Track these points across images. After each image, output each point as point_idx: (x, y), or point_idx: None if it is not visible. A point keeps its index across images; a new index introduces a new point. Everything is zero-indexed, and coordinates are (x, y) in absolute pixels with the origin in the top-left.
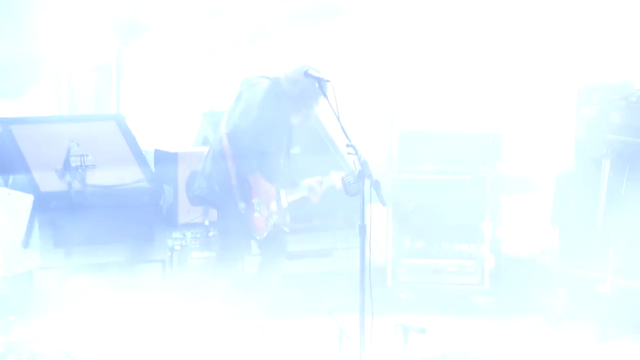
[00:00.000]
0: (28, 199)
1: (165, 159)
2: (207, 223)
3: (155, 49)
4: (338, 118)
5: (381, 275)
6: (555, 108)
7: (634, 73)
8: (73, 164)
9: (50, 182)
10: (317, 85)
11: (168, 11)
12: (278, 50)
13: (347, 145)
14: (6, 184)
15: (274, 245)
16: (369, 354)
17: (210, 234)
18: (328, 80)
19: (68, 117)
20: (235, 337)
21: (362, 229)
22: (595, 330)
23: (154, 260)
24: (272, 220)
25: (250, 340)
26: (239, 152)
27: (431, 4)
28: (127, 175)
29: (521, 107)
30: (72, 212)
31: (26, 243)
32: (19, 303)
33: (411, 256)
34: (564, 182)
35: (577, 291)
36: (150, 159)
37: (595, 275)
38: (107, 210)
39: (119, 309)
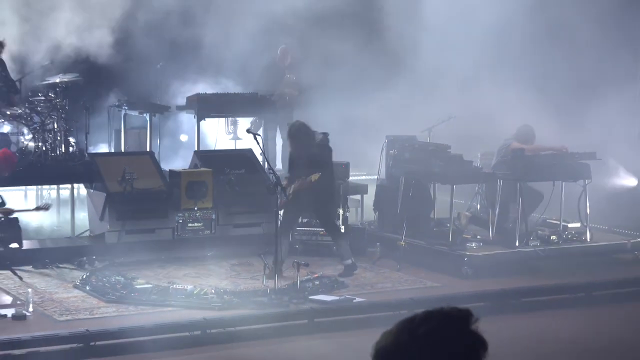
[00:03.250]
0: (103, 195)
1: (173, 174)
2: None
3: None
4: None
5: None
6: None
7: (415, 132)
8: (127, 177)
9: (114, 186)
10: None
11: None
12: None
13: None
14: (91, 187)
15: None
16: (278, 278)
17: (198, 214)
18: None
19: (124, 153)
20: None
21: (276, 212)
22: (395, 264)
23: (168, 227)
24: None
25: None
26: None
27: None
28: (154, 183)
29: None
30: (126, 202)
31: (102, 218)
32: (97, 250)
33: (301, 226)
34: (380, 188)
35: (387, 244)
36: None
37: (396, 236)
38: (144, 200)
39: (151, 254)
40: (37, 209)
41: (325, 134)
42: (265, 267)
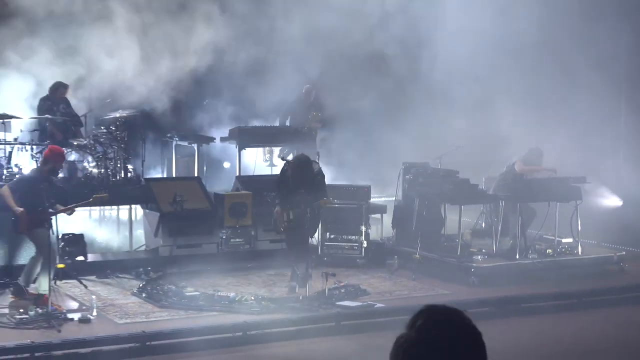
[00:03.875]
0: (157, 215)
1: (218, 197)
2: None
3: None
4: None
5: (317, 250)
6: (394, 175)
7: (428, 159)
8: (177, 199)
9: (167, 207)
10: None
11: None
12: None
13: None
14: (147, 208)
15: (294, 240)
16: (310, 285)
17: (239, 231)
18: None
19: (174, 178)
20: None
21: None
22: (411, 274)
23: (213, 242)
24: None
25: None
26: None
27: None
28: (201, 204)
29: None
30: (176, 220)
31: (156, 234)
32: (151, 262)
33: (328, 241)
34: (398, 208)
35: (403, 257)
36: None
37: (411, 250)
38: (192, 219)
39: (198, 265)
40: (95, 201)
41: (318, 163)
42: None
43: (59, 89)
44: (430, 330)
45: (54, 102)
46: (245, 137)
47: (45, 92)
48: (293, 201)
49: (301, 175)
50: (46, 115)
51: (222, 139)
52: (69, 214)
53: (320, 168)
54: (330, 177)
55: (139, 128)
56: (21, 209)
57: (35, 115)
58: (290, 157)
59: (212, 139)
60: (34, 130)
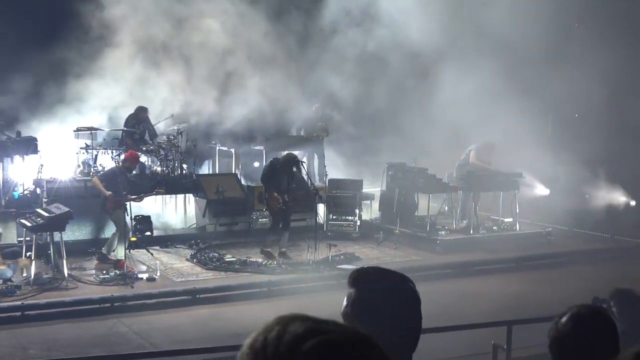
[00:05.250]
0: (204, 201)
1: (250, 188)
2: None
3: None
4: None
5: (323, 227)
6: (380, 171)
7: (405, 160)
8: (219, 190)
9: (212, 195)
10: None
11: None
12: None
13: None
14: (197, 196)
15: (286, 216)
16: (317, 254)
17: (265, 213)
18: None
19: (217, 174)
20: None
21: (314, 210)
22: (393, 245)
23: (246, 221)
24: (281, 206)
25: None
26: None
27: None
28: (237, 193)
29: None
30: (219, 205)
31: (204, 215)
32: (200, 236)
33: (331, 220)
34: (383, 196)
35: (387, 232)
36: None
37: (393, 227)
38: (230, 204)
39: (235, 238)
40: (157, 193)
41: (300, 162)
42: (309, 248)
43: (140, 111)
44: (378, 283)
45: (137, 120)
46: (270, 143)
47: (130, 110)
48: (282, 188)
49: (291, 169)
50: (121, 128)
51: (253, 144)
52: (139, 201)
53: (300, 165)
54: (333, 173)
55: (191, 136)
56: (109, 192)
57: (116, 127)
58: (304, 159)
59: (246, 145)
60: (114, 139)
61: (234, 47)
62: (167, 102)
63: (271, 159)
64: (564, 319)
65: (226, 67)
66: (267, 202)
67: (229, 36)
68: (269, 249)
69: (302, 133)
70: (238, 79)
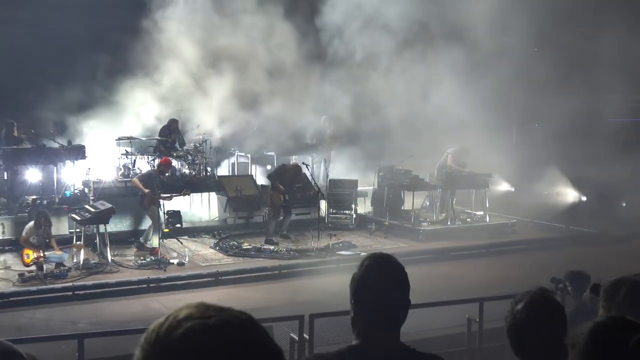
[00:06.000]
0: (225, 198)
1: (263, 187)
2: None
3: None
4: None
5: (324, 220)
6: (369, 175)
7: (394, 162)
8: (238, 188)
9: (231, 193)
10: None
11: None
12: None
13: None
14: (219, 194)
15: (285, 207)
16: (319, 243)
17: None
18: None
19: (236, 175)
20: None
21: (317, 205)
22: (383, 235)
23: (260, 215)
24: (282, 202)
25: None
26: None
27: None
28: (252, 191)
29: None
30: (237, 201)
31: (225, 210)
32: (222, 228)
33: (332, 214)
34: (375, 193)
35: (378, 224)
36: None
37: (383, 219)
38: (247, 201)
39: (251, 230)
40: (184, 194)
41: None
42: (313, 237)
43: (172, 123)
44: (373, 267)
45: (169, 130)
46: (282, 149)
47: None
48: (285, 188)
49: (297, 176)
50: (155, 137)
51: (266, 151)
52: (169, 200)
53: (305, 172)
54: (336, 173)
55: (214, 144)
56: (147, 190)
57: (151, 136)
58: (309, 162)
59: (260, 152)
60: (149, 146)
61: (259, 64)
62: (199, 113)
63: (282, 163)
64: (519, 306)
65: (249, 84)
66: (270, 197)
67: (255, 53)
68: (271, 237)
69: (314, 141)
70: (258, 94)
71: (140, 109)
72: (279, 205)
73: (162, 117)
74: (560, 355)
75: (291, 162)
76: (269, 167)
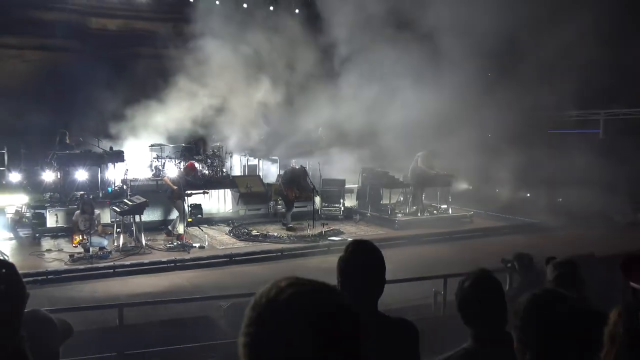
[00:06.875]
0: (237, 194)
1: (269, 185)
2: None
3: None
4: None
5: (318, 212)
6: (355, 175)
7: (374, 165)
8: (248, 186)
9: (243, 190)
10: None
11: None
12: None
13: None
14: (232, 190)
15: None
16: (314, 230)
17: (280, 202)
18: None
19: (246, 175)
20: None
21: (313, 200)
22: (366, 224)
23: (265, 208)
24: (296, 196)
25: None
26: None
27: None
28: (260, 188)
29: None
30: (248, 196)
31: (237, 203)
32: (235, 218)
33: (324, 207)
34: (359, 190)
35: (362, 215)
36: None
37: (365, 211)
38: (256, 196)
39: (259, 219)
40: (204, 192)
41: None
42: (309, 226)
43: (198, 141)
44: (356, 250)
45: (196, 142)
46: (285, 153)
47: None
48: (295, 186)
49: (304, 176)
50: (181, 144)
51: (272, 155)
52: (190, 197)
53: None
54: (327, 174)
55: (228, 149)
56: (175, 187)
57: (177, 144)
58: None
59: (267, 156)
60: (176, 152)
61: (271, 78)
62: (222, 127)
63: (290, 168)
64: (466, 284)
65: (262, 97)
66: (286, 195)
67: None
68: (290, 225)
69: (311, 148)
70: (267, 106)
71: (170, 124)
72: (292, 200)
73: (187, 128)
74: (502, 323)
75: (297, 167)
76: (273, 169)
